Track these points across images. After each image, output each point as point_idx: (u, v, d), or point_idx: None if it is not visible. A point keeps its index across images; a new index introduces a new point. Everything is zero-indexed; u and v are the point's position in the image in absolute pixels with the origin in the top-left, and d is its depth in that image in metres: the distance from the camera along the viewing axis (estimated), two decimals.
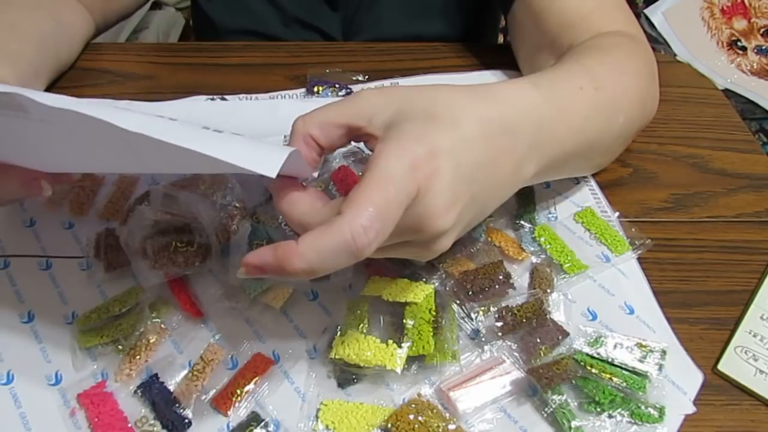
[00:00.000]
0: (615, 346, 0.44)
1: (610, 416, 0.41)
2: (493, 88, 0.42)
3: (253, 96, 0.67)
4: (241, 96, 0.66)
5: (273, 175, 0.30)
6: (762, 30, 1.35)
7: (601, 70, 0.49)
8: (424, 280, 0.48)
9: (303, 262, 0.32)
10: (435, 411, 0.41)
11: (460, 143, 0.37)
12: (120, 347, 0.45)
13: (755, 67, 1.31)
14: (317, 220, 0.34)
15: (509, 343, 0.45)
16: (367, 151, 0.50)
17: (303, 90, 0.67)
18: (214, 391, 0.43)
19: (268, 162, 0.30)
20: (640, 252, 0.52)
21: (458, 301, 0.47)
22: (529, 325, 0.45)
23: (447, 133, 0.36)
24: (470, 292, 0.47)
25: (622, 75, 0.51)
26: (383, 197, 0.32)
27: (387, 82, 0.68)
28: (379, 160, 0.34)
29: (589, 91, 0.47)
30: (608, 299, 0.49)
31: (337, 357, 0.43)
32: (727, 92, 1.23)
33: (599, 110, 0.48)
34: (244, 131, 0.35)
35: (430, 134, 0.36)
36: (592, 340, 0.45)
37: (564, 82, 0.46)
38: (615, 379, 0.42)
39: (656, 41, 1.32)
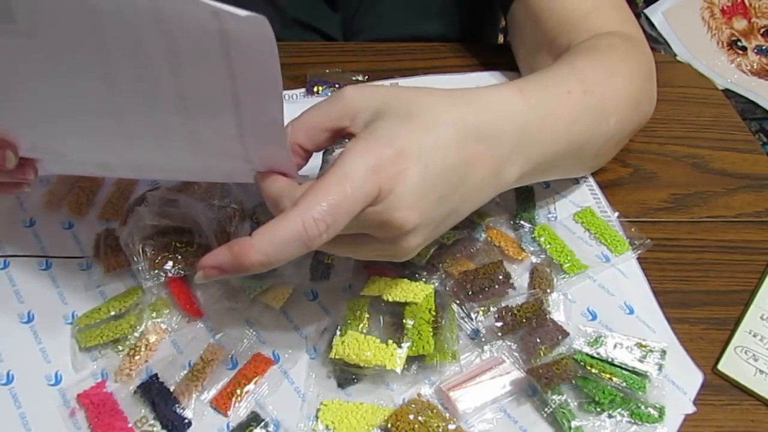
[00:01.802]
0: (615, 346, 0.44)
1: (610, 416, 0.41)
2: (477, 93, 0.42)
3: None
4: None
5: (242, 13, 0.29)
6: (762, 30, 1.35)
7: (592, 72, 0.49)
8: (424, 280, 0.48)
9: (259, 255, 0.33)
10: (435, 411, 0.41)
11: (431, 146, 0.38)
12: (120, 347, 0.45)
13: (755, 67, 1.31)
14: (291, 195, 0.36)
15: (509, 343, 0.45)
16: None
17: (303, 90, 0.67)
18: (214, 391, 0.43)
19: (229, 9, 0.29)
20: (639, 252, 0.52)
21: (458, 301, 0.47)
22: (529, 325, 0.45)
23: (418, 136, 0.37)
24: (470, 292, 0.47)
25: (614, 76, 0.51)
26: (338, 194, 0.34)
27: (387, 83, 0.68)
28: (346, 158, 0.36)
29: (578, 94, 0.47)
30: (608, 299, 0.49)
31: (337, 357, 0.43)
32: (727, 92, 1.22)
33: (588, 113, 0.48)
34: None
35: (401, 136, 0.37)
36: (592, 340, 0.45)
37: (551, 87, 0.47)
38: (615, 379, 0.42)
39: (656, 41, 1.32)
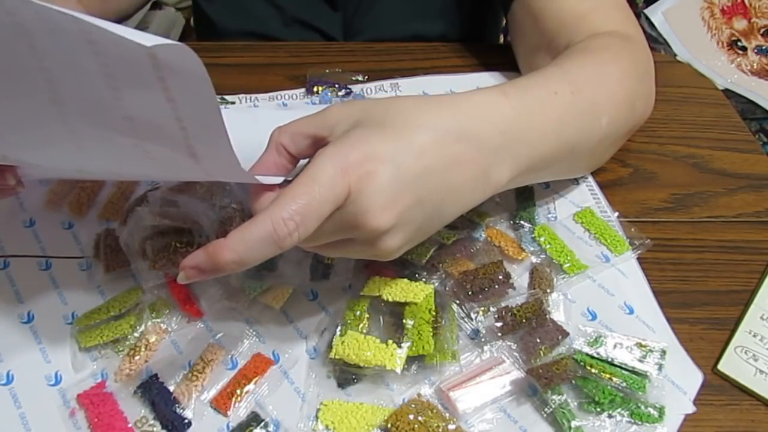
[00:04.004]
0: (615, 346, 0.44)
1: (609, 416, 0.41)
2: (459, 97, 0.43)
3: (253, 96, 0.67)
4: (241, 96, 0.66)
5: (147, 44, 0.28)
6: (762, 30, 1.35)
7: (581, 73, 0.50)
8: (424, 280, 0.48)
9: (232, 254, 0.35)
10: (435, 411, 0.41)
11: (405, 149, 0.38)
12: (120, 347, 0.45)
13: (755, 67, 1.31)
14: None
15: (509, 343, 0.45)
16: None
17: (303, 90, 0.67)
18: (214, 391, 0.43)
19: (151, 40, 0.29)
20: (639, 252, 0.52)
21: (458, 301, 0.47)
22: (529, 325, 0.45)
23: (391, 140, 0.38)
24: (470, 292, 0.47)
25: (606, 77, 0.51)
26: (307, 194, 0.35)
27: (387, 82, 0.68)
28: (315, 161, 0.37)
29: (565, 95, 0.47)
30: (608, 299, 0.49)
31: (337, 357, 0.43)
32: (727, 92, 1.22)
33: (577, 114, 0.48)
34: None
35: (371, 140, 0.38)
36: (591, 340, 0.45)
37: (537, 88, 0.47)
38: (615, 379, 0.42)
39: (656, 41, 1.32)
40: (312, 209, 0.35)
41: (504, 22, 0.86)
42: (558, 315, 0.47)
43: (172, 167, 0.39)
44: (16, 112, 0.37)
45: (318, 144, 0.41)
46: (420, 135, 0.39)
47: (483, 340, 0.46)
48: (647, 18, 1.34)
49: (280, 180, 0.41)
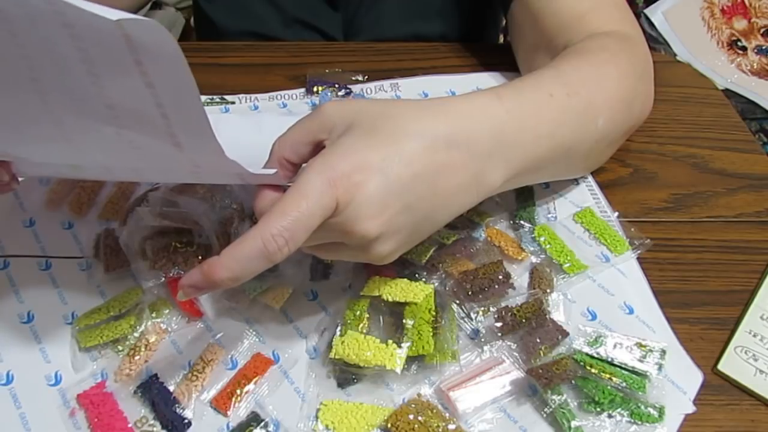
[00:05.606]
0: (615, 346, 0.44)
1: (609, 416, 0.41)
2: (450, 101, 0.44)
3: (253, 96, 0.67)
4: (241, 96, 0.66)
5: (113, 17, 0.28)
6: (762, 30, 1.35)
7: (577, 74, 0.50)
8: (424, 280, 0.48)
9: (226, 271, 0.36)
10: (435, 411, 0.41)
11: (394, 158, 0.39)
12: (120, 347, 0.45)
13: (755, 67, 1.31)
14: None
15: (509, 343, 0.45)
16: None
17: (303, 90, 0.67)
18: (214, 391, 0.43)
19: (120, 15, 0.28)
20: (639, 252, 0.52)
21: (458, 301, 0.47)
22: (529, 325, 0.45)
23: (380, 148, 0.39)
24: (470, 292, 0.47)
25: (602, 77, 0.51)
26: (295, 210, 0.36)
27: (387, 82, 0.68)
28: (304, 174, 0.37)
29: (560, 97, 0.47)
30: (608, 299, 0.49)
31: (337, 357, 0.43)
32: (727, 92, 1.22)
33: (573, 115, 0.48)
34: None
35: (359, 150, 0.38)
36: (591, 340, 0.45)
37: (532, 91, 0.47)
38: (615, 379, 0.42)
39: (656, 41, 1.32)
40: (300, 224, 0.36)
41: (503, 22, 0.86)
42: (558, 315, 0.47)
43: (158, 159, 0.39)
44: (1, 105, 0.36)
45: (319, 147, 0.42)
46: (409, 143, 0.39)
47: (483, 340, 0.46)
48: (647, 18, 1.34)
49: (272, 172, 0.41)
